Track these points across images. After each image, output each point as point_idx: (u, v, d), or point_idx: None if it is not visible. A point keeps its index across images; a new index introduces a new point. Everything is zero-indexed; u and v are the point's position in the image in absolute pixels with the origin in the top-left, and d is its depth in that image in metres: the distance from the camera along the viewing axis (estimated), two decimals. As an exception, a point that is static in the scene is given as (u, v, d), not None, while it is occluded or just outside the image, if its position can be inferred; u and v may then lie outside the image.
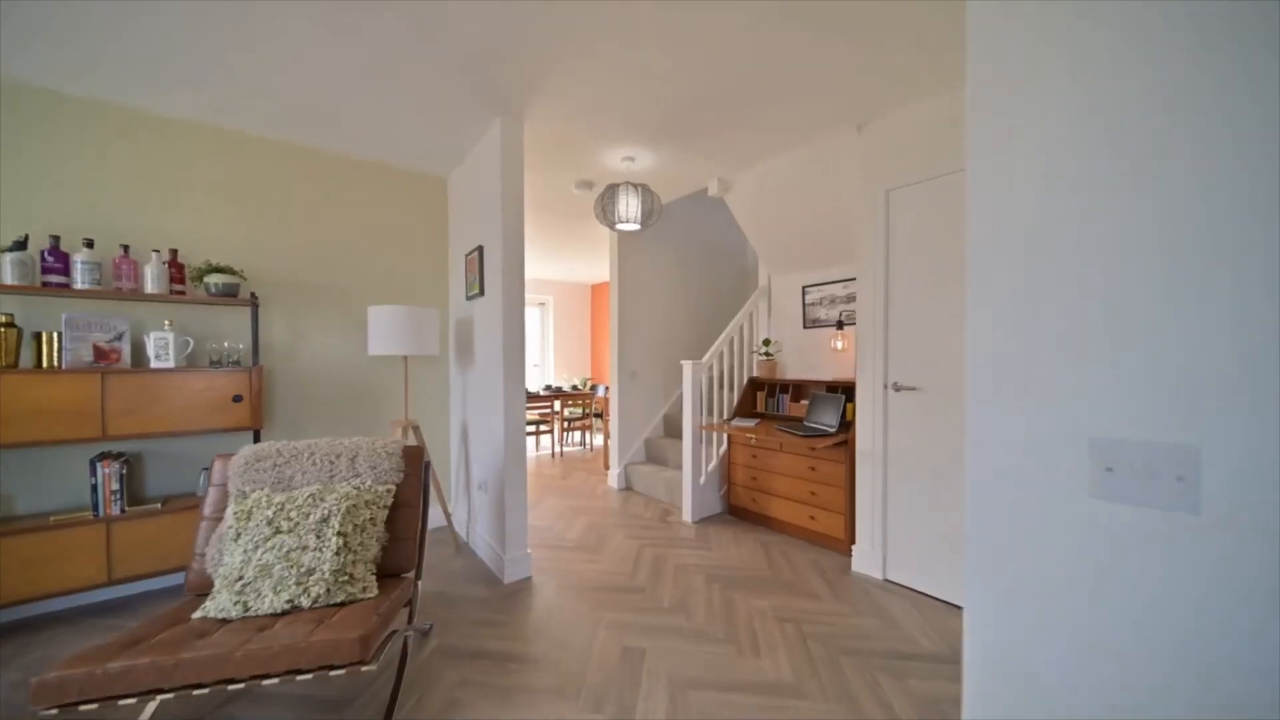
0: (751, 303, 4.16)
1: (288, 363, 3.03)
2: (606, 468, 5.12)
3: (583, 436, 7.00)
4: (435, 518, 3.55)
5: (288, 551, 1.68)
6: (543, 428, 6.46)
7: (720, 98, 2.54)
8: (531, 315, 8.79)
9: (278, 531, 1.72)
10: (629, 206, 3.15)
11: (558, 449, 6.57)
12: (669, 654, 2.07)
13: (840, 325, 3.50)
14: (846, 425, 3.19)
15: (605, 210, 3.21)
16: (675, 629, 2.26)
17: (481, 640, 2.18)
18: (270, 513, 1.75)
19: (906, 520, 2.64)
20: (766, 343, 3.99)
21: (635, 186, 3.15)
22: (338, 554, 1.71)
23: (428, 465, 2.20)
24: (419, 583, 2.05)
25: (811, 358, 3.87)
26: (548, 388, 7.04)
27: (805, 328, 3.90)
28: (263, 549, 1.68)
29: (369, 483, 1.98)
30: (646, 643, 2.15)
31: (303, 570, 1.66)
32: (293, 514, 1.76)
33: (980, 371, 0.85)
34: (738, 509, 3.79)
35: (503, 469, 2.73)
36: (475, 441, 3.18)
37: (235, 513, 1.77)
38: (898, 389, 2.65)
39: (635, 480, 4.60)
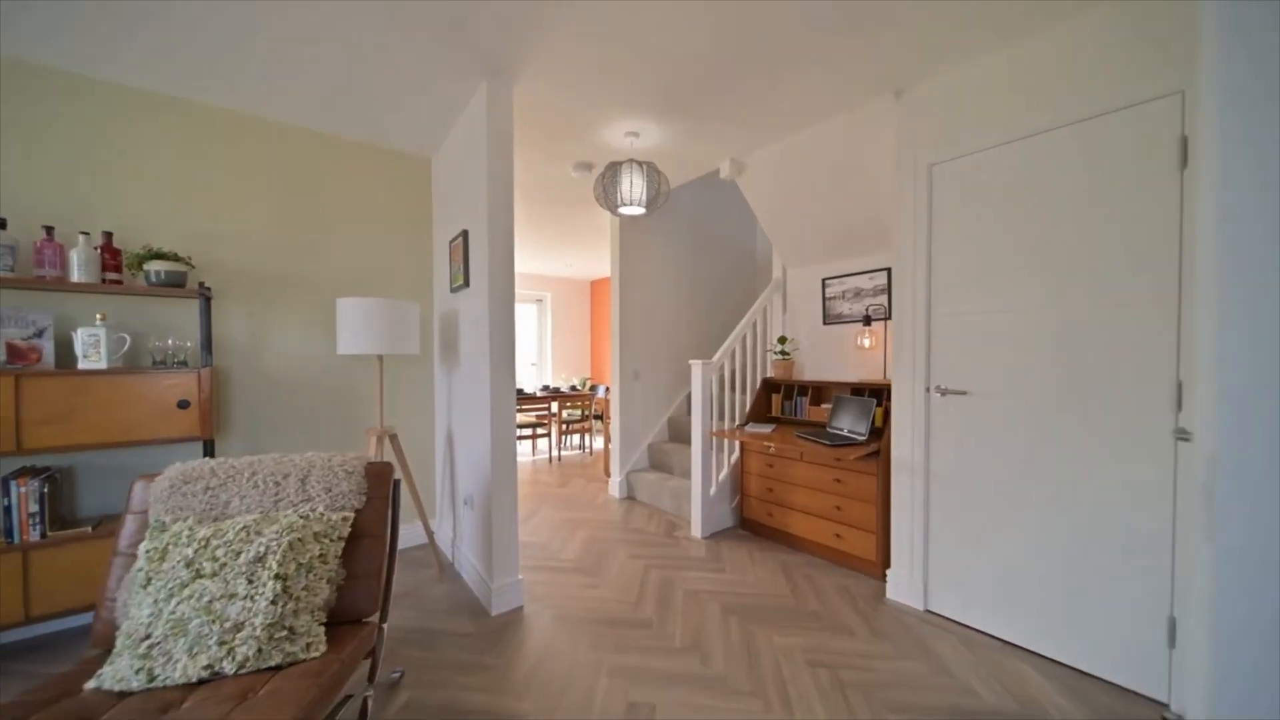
0: (765, 297, 3.82)
1: (248, 363, 2.68)
2: (607, 475, 4.78)
3: (582, 440, 6.65)
4: (416, 535, 3.21)
5: (209, 601, 1.34)
6: (539, 430, 6.12)
7: (736, 57, 2.19)
8: (529, 313, 8.45)
9: (198, 575, 1.38)
10: (633, 187, 2.81)
11: (555, 453, 6.23)
12: (684, 712, 1.73)
13: (868, 321, 3.15)
14: (877, 432, 2.85)
15: (607, 191, 2.86)
16: (690, 676, 1.92)
17: (462, 692, 1.84)
18: (190, 551, 1.41)
19: (953, 543, 2.30)
20: (782, 340, 3.65)
21: (640, 164, 2.80)
22: (274, 603, 1.37)
23: (397, 485, 1.85)
24: (384, 627, 1.71)
25: (832, 357, 3.53)
26: (545, 388, 6.70)
27: (825, 324, 3.56)
28: (177, 598, 1.34)
29: (321, 509, 1.63)
30: (657, 696, 1.81)
31: (227, 625, 1.32)
32: (219, 552, 1.41)
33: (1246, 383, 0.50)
34: (752, 523, 3.45)
35: (490, 484, 2.39)
36: (461, 451, 2.84)
37: (147, 551, 1.42)
38: (943, 393, 2.31)
39: (638, 489, 4.26)
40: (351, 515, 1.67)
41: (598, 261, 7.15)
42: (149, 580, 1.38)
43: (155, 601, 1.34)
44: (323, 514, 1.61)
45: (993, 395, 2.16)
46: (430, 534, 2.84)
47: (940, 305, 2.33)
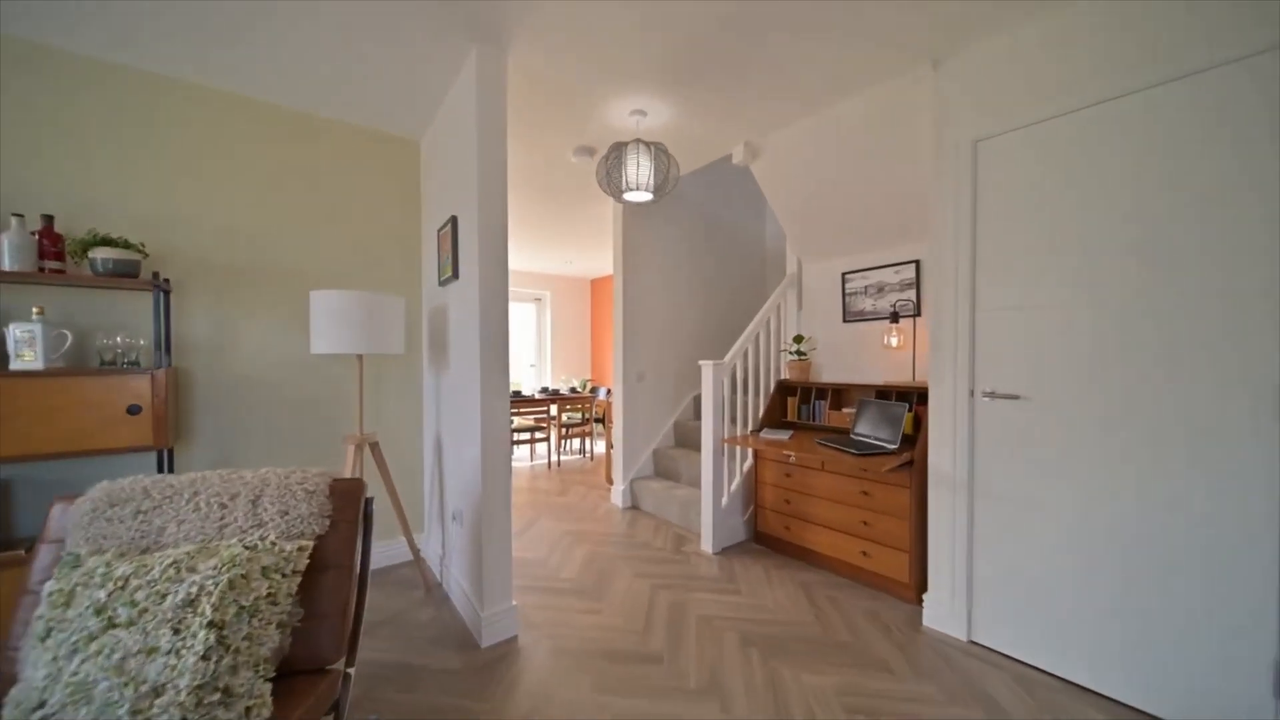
0: (779, 294, 3.56)
1: (214, 364, 2.43)
2: (610, 482, 4.52)
3: (582, 444, 6.39)
4: (402, 551, 2.95)
5: (122, 659, 1.08)
6: (538, 435, 5.86)
7: (755, 21, 1.93)
8: (527, 312, 8.19)
9: (111, 625, 1.12)
10: (640, 170, 2.55)
11: (554, 458, 5.97)
12: (704, 773, 1.47)
13: (895, 318, 2.90)
14: (908, 440, 2.59)
15: (610, 175, 2.60)
16: (709, 726, 1.66)
17: (443, 746, 1.58)
18: (103, 594, 1.15)
19: (1003, 566, 2.04)
20: (798, 340, 3.39)
21: (648, 145, 2.55)
22: (205, 658, 1.11)
23: (369, 505, 1.60)
24: (351, 673, 1.46)
25: (854, 357, 3.27)
26: (544, 390, 6.44)
27: (845, 322, 3.30)
28: (82, 655, 1.08)
29: (273, 537, 1.37)
30: (671, 753, 1.55)
31: (144, 689, 1.05)
32: (139, 595, 1.15)
33: None
34: (767, 537, 3.18)
35: (480, 498, 2.13)
36: (450, 461, 2.58)
37: (50, 594, 1.16)
38: (992, 397, 2.05)
39: (643, 498, 4.00)
40: (311, 544, 1.41)
41: (599, 259, 6.90)
42: (49, 631, 1.12)
43: (54, 659, 1.08)
44: (274, 543, 1.35)
45: (1051, 400, 1.90)
46: (416, 551, 2.58)
47: (986, 298, 2.07)
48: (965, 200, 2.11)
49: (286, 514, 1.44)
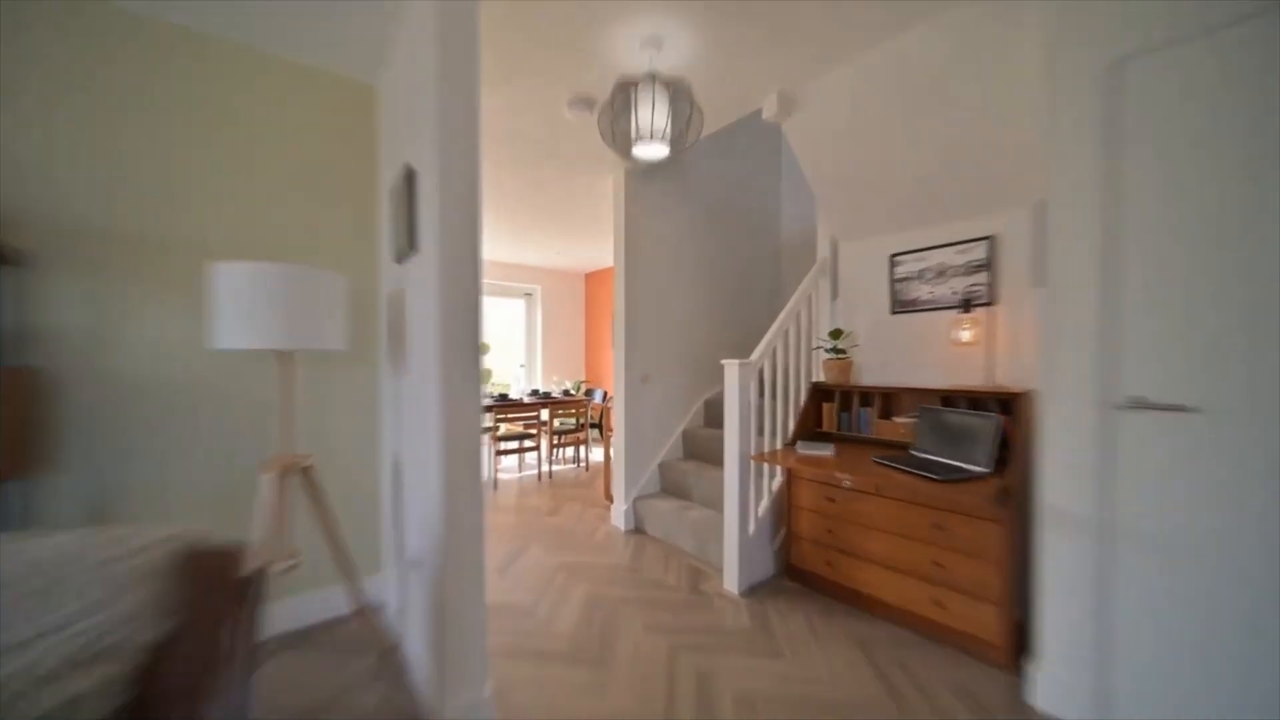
0: (809, 282, 3.01)
1: (92, 364, 1.83)
2: (608, 499, 3.96)
3: (576, 452, 5.82)
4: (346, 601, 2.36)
5: None
6: (527, 443, 5.28)
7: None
8: (516, 308, 7.61)
9: None
10: (655, 115, 1.99)
11: (545, 468, 5.39)
12: None
13: (966, 306, 2.36)
14: (999, 462, 2.05)
15: (616, 123, 2.05)
16: None
17: None
18: None
19: (1156, 635, 1.50)
20: (836, 335, 2.85)
21: (664, 84, 1.99)
22: None
23: (250, 586, 1.02)
24: None
25: (905, 355, 2.73)
26: (534, 393, 5.87)
27: (894, 313, 2.76)
28: None
29: (52, 663, 0.80)
30: None
31: None
32: None
33: None
34: (802, 573, 2.63)
35: (442, 546, 1.56)
36: (410, 489, 2.00)
37: None
38: (1144, 408, 1.51)
39: (649, 520, 3.44)
40: (125, 669, 0.83)
41: (593, 250, 6.32)
42: None
43: None
44: (51, 675, 0.77)
45: (1238, 412, 1.36)
46: (364, 608, 2.00)
47: (1138, 269, 1.53)
48: (1094, 140, 1.57)
49: (98, 612, 0.86)
